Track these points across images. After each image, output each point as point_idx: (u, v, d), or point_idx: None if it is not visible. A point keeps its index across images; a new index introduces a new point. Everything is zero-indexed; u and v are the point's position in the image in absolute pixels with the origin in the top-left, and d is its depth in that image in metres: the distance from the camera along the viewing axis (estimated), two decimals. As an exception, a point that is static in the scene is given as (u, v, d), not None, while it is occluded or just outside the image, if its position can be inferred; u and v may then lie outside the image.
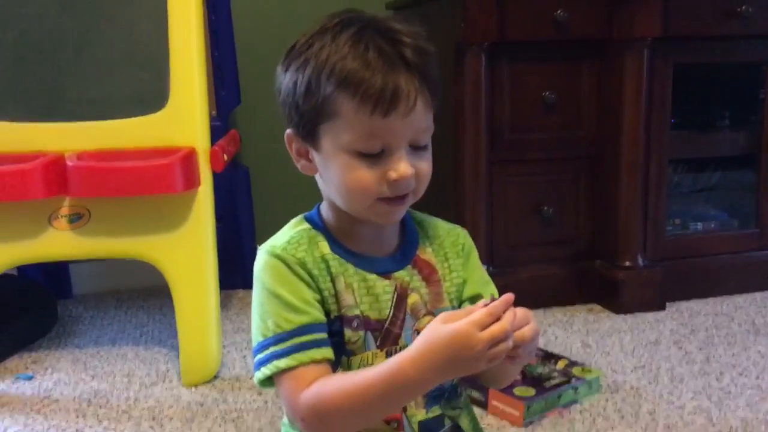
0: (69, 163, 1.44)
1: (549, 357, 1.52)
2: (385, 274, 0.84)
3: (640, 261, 1.89)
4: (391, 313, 0.83)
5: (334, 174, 0.79)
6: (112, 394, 1.49)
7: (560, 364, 1.48)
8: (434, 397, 0.84)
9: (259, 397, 1.45)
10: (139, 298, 2.05)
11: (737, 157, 2.07)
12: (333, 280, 0.81)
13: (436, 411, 0.85)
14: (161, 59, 1.52)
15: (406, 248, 0.87)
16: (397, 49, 0.75)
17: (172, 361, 1.63)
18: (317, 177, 0.84)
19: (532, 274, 1.91)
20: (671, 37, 1.82)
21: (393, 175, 0.77)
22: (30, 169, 1.40)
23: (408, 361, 0.72)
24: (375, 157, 0.77)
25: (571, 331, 1.76)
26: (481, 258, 1.95)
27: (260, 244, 0.87)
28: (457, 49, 1.79)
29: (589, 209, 1.95)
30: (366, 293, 0.83)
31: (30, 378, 1.57)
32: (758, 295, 1.97)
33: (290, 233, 0.84)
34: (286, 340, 0.79)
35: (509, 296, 0.71)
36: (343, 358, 0.81)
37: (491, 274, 2.03)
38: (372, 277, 0.83)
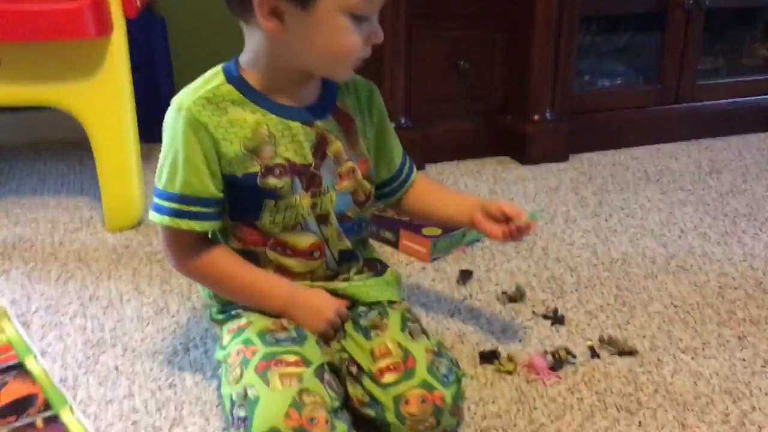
0: (-27, 5, 1.39)
1: (457, 201, 1.63)
2: (307, 122, 0.90)
3: (548, 115, 1.99)
4: (313, 158, 0.90)
5: (323, 36, 0.82)
6: (36, 239, 1.53)
7: (467, 208, 1.59)
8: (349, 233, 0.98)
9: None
10: (58, 150, 2.04)
11: (646, 17, 2.14)
12: (246, 138, 0.87)
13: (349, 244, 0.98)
14: None
15: (326, 99, 0.93)
16: None
17: (95, 208, 1.67)
18: (264, 35, 0.85)
19: (448, 127, 1.99)
20: None
21: (376, 39, 0.84)
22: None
23: (281, 295, 0.91)
24: (363, 21, 0.82)
25: (480, 180, 1.87)
26: (399, 112, 2.00)
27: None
28: None
29: (503, 65, 2.01)
30: (290, 141, 0.88)
31: (-49, 225, 1.58)
32: (655, 147, 2.12)
33: (202, 89, 0.87)
34: (170, 200, 0.87)
35: None
36: (269, 202, 0.88)
37: (409, 128, 2.08)
38: (295, 125, 0.89)
